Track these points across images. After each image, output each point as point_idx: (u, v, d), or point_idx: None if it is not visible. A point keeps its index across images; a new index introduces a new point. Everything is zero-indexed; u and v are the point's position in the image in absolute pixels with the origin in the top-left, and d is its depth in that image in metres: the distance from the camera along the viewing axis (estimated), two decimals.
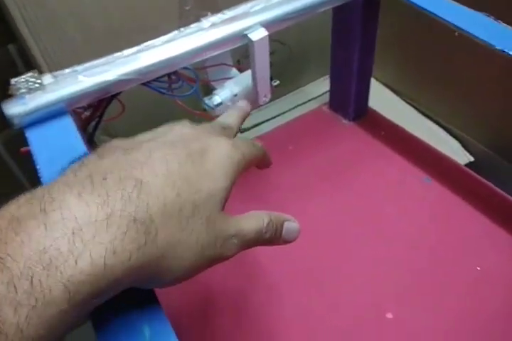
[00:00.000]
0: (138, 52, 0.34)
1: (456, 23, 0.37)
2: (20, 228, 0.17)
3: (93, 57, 0.34)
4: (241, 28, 0.36)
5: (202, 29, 0.37)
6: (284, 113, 0.67)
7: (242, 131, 0.67)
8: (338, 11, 0.49)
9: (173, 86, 0.38)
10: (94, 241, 0.17)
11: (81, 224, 0.18)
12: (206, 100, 0.39)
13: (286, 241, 0.27)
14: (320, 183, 0.47)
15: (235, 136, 0.30)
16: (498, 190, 0.44)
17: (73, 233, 0.17)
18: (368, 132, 0.53)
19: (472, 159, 0.53)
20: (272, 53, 0.66)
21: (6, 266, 0.16)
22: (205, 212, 0.22)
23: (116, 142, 0.24)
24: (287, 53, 0.67)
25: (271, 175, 0.49)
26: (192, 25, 0.39)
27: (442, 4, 0.40)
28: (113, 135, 0.55)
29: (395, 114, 0.58)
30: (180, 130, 0.25)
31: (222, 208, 0.23)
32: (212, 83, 0.43)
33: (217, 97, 0.39)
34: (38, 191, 0.19)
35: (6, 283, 0.16)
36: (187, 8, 0.55)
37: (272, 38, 0.65)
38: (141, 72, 0.32)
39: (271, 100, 0.70)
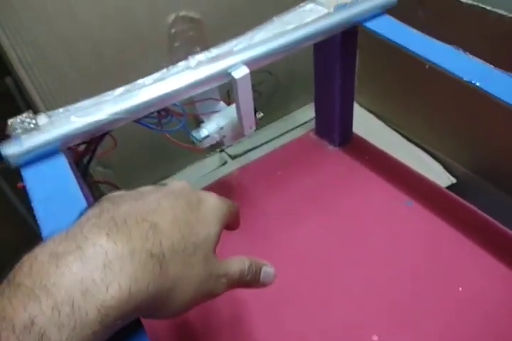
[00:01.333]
0: (128, 91, 0.36)
1: (425, 56, 0.40)
2: (60, 262, 0.21)
3: (87, 94, 0.36)
4: (225, 67, 0.39)
5: (189, 67, 0.40)
6: (273, 139, 0.69)
7: (233, 157, 0.69)
8: (318, 47, 0.51)
9: (163, 121, 0.40)
10: (121, 272, 0.21)
11: (111, 259, 0.21)
12: (194, 133, 0.41)
13: (264, 284, 0.30)
14: (307, 208, 0.49)
15: None
16: (479, 211, 0.46)
17: (104, 266, 0.21)
18: (353, 157, 0.55)
19: (454, 181, 0.54)
20: (260, 83, 0.69)
21: (50, 293, 0.19)
22: (203, 251, 0.26)
23: (124, 192, 0.28)
24: (275, 82, 0.70)
25: (259, 202, 0.50)
26: (179, 64, 0.41)
27: (412, 38, 0.43)
28: (107, 166, 0.57)
29: (379, 138, 0.61)
30: (178, 185, 0.29)
31: (214, 250, 0.27)
32: (201, 116, 0.45)
33: (205, 130, 0.41)
34: (70, 232, 0.23)
35: (51, 307, 0.19)
36: (176, 44, 0.58)
37: (260, 69, 0.68)
38: (130, 111, 0.34)
39: (261, 127, 0.74)
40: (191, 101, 0.43)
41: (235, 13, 0.59)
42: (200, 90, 0.39)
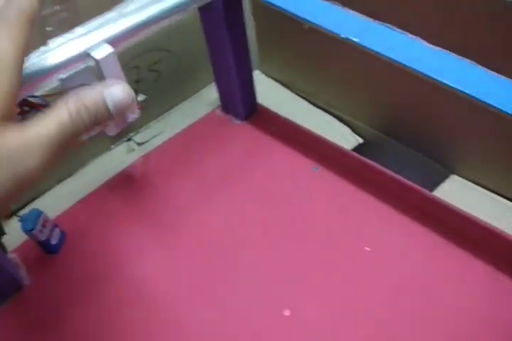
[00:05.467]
0: None
1: (302, 15, 0.38)
2: None
3: None
4: (85, 47, 0.35)
5: (46, 52, 0.35)
6: (182, 121, 0.66)
7: (139, 143, 0.65)
8: (202, 15, 0.48)
9: (28, 117, 0.36)
10: None
11: None
12: None
13: (119, 111, 0.23)
14: (215, 191, 0.47)
15: None
16: (385, 169, 0.46)
17: None
18: (260, 130, 0.54)
19: (361, 141, 0.55)
20: (156, 63, 0.65)
21: None
22: None
23: None
24: (175, 60, 0.66)
25: (164, 191, 0.47)
26: (39, 49, 0.37)
27: None
28: None
29: (286, 107, 0.59)
30: None
31: (8, 119, 0.20)
32: None
33: None
34: None
35: None
36: (49, 28, 0.52)
37: (155, 47, 0.64)
38: None
39: (168, 109, 0.70)
40: (62, 90, 0.39)
41: None
42: (60, 76, 0.35)
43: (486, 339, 0.34)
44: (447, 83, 0.32)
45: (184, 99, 0.70)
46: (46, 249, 0.43)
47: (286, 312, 0.35)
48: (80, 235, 0.44)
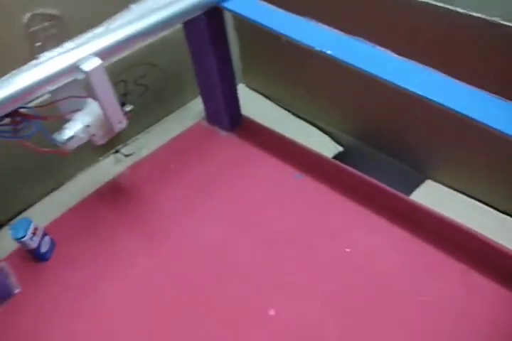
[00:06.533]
0: None
1: (280, 30, 0.40)
2: None
3: None
4: (74, 60, 0.36)
5: (36, 65, 0.37)
6: (169, 133, 0.67)
7: (126, 155, 0.66)
8: (186, 30, 0.51)
9: (19, 127, 0.37)
10: None
11: None
12: (56, 136, 0.38)
13: None
14: (202, 198, 0.48)
15: None
16: (363, 175, 0.48)
17: None
18: (245, 140, 0.55)
19: (341, 149, 0.57)
20: (143, 76, 0.67)
21: None
22: None
23: None
24: (162, 74, 0.68)
25: (152, 199, 0.49)
26: (30, 63, 0.38)
27: (269, 14, 0.43)
28: None
29: (270, 118, 0.61)
30: None
31: None
32: (68, 116, 0.42)
33: (68, 131, 0.38)
34: None
35: None
36: (38, 44, 0.54)
37: (141, 61, 0.66)
38: None
39: (156, 121, 0.72)
40: (51, 102, 0.41)
41: (98, 5, 0.56)
42: (50, 88, 0.36)
43: (463, 332, 0.36)
44: (412, 90, 0.34)
45: (171, 112, 0.72)
46: (36, 257, 0.43)
47: (271, 312, 0.36)
48: (70, 243, 0.45)
